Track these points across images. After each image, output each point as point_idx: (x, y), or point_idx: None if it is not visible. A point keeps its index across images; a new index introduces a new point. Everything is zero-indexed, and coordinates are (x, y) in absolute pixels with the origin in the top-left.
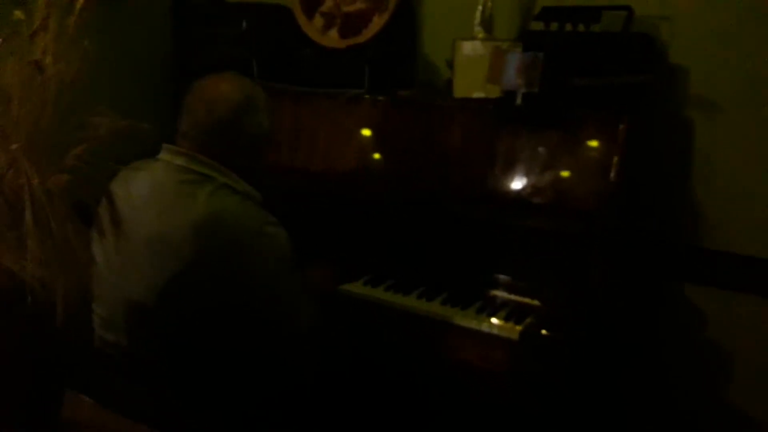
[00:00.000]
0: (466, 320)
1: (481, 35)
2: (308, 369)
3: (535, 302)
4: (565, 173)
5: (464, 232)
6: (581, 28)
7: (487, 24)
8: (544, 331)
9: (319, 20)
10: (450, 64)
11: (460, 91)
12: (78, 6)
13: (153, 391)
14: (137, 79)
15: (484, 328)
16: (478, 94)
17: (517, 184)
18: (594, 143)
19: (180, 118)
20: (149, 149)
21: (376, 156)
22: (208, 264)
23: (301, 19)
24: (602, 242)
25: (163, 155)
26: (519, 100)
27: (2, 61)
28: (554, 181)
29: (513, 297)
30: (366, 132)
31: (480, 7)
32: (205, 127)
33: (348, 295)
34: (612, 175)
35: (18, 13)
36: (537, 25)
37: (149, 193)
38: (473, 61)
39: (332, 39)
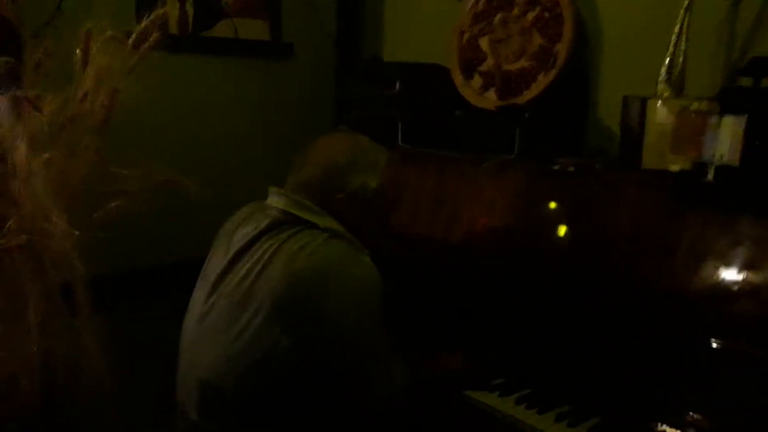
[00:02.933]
0: None
1: (666, 93)
2: None
3: None
4: None
5: (629, 340)
6: None
7: (677, 81)
8: None
9: (477, 80)
10: (623, 128)
11: (640, 160)
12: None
13: None
14: (298, 131)
15: None
16: (659, 166)
17: (705, 286)
18: None
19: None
20: None
21: (523, 232)
22: (284, 314)
23: (458, 78)
24: None
25: (268, 198)
26: (711, 175)
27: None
28: (762, 286)
29: None
30: (512, 203)
31: (667, 60)
32: (303, 184)
33: (469, 401)
34: None
35: (78, 53)
36: (744, 82)
37: (243, 246)
38: (655, 124)
39: (489, 100)
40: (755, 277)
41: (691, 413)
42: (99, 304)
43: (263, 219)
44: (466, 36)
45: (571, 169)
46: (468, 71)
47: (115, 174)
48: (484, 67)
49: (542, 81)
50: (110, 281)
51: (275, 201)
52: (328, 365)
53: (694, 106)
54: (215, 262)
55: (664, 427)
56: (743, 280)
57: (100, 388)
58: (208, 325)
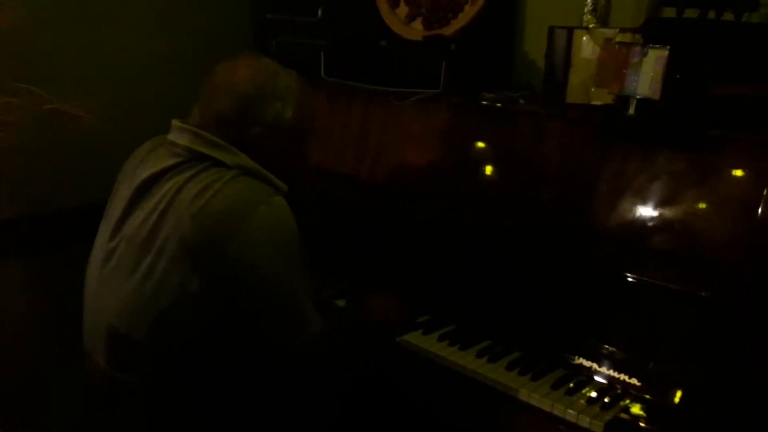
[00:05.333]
0: (535, 396)
1: (591, 24)
2: (313, 388)
3: (634, 381)
4: (693, 211)
5: (551, 274)
6: (728, 16)
7: (603, 12)
8: (642, 424)
9: (403, 8)
10: (548, 60)
11: (565, 94)
12: None
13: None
14: (212, 62)
15: (558, 411)
16: (583, 99)
17: (626, 219)
18: (738, 174)
19: (190, 112)
20: None
21: (449, 169)
22: (190, 256)
23: (383, 7)
24: (746, 310)
25: (170, 134)
26: (632, 110)
27: None
28: (677, 221)
29: (604, 370)
30: (437, 139)
31: None
32: (210, 121)
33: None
34: (763, 217)
35: None
36: (668, 12)
37: (144, 187)
38: (579, 57)
39: (416, 31)
40: (671, 212)
41: (606, 346)
42: None
43: (166, 157)
44: None
45: (498, 105)
46: None
47: None
48: None
49: (469, 11)
50: (5, 228)
51: (178, 137)
52: (239, 310)
53: (619, 37)
54: (117, 203)
55: (581, 359)
56: (659, 215)
57: None
58: (112, 268)
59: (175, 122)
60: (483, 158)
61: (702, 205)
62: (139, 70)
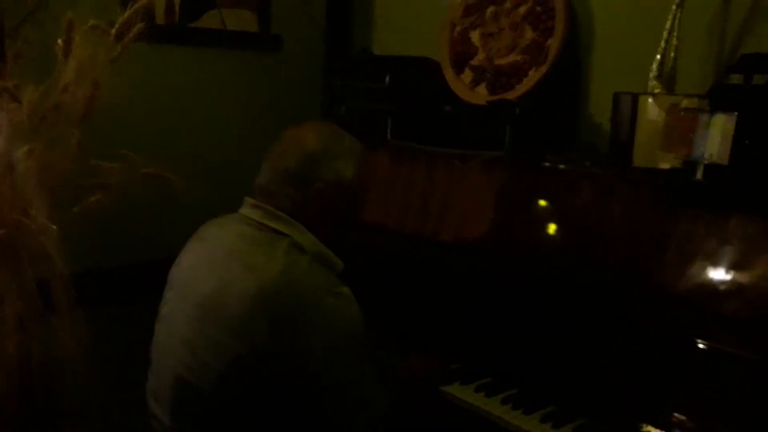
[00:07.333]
0: None
1: (657, 90)
2: None
3: None
4: (766, 276)
5: (616, 339)
6: None
7: (668, 78)
8: None
9: (468, 74)
10: (613, 125)
11: (630, 157)
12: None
13: None
14: (286, 125)
15: None
16: (649, 163)
17: (695, 284)
18: None
19: (259, 171)
20: None
21: (513, 229)
22: (254, 338)
23: (449, 73)
24: None
25: (242, 209)
26: (700, 174)
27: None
28: (749, 286)
29: None
30: (501, 200)
31: (658, 57)
32: (276, 176)
33: (454, 401)
34: None
35: (60, 43)
36: (734, 79)
37: (216, 253)
38: (645, 122)
39: (480, 95)
40: (742, 277)
41: (676, 414)
42: (82, 301)
43: (240, 227)
44: (458, 29)
45: (562, 166)
46: (459, 65)
47: (96, 167)
48: (475, 61)
49: (533, 76)
50: (94, 277)
51: (251, 212)
52: (297, 390)
53: (684, 103)
54: (185, 266)
55: (649, 427)
56: (730, 279)
57: (78, 385)
58: (175, 332)
59: (248, 199)
60: (548, 219)
61: None
62: (221, 137)
